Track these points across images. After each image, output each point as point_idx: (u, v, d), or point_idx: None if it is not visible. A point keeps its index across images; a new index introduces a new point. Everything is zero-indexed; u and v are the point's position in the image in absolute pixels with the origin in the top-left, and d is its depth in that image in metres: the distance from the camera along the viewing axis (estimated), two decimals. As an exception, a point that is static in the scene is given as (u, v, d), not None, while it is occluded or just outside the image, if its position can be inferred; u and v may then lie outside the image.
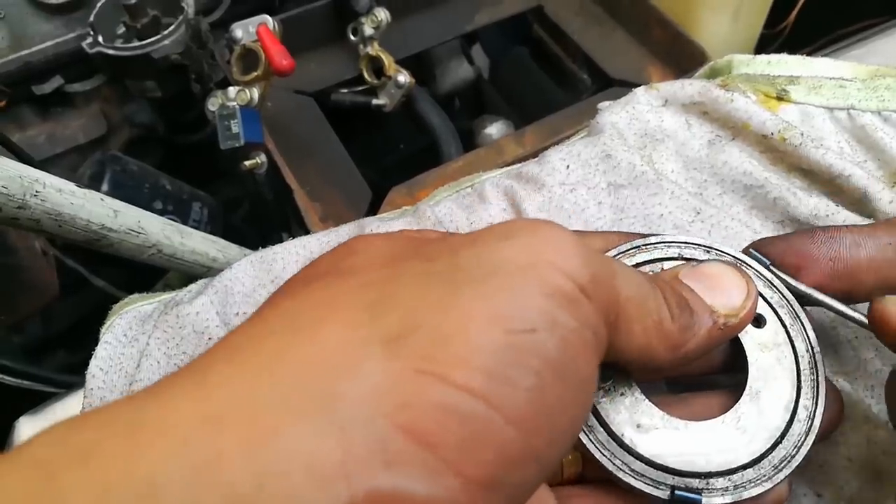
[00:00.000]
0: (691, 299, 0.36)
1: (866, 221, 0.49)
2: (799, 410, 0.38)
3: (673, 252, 0.41)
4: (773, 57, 0.61)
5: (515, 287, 0.28)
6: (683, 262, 0.41)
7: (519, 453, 0.26)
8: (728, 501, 0.35)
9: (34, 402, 0.72)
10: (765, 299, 0.40)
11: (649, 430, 0.37)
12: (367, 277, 0.30)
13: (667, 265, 0.40)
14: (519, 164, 0.57)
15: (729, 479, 0.36)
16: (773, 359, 0.39)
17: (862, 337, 0.45)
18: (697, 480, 0.35)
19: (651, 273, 0.39)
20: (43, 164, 1.03)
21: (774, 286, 0.41)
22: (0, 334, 1.05)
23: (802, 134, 0.51)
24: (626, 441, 0.36)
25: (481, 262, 0.29)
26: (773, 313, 0.40)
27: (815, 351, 0.39)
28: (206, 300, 0.49)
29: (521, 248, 0.29)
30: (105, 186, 1.06)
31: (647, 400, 0.37)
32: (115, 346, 0.49)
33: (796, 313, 0.41)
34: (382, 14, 1.12)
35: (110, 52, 1.02)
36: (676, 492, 0.35)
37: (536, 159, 0.55)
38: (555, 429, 0.27)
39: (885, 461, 0.42)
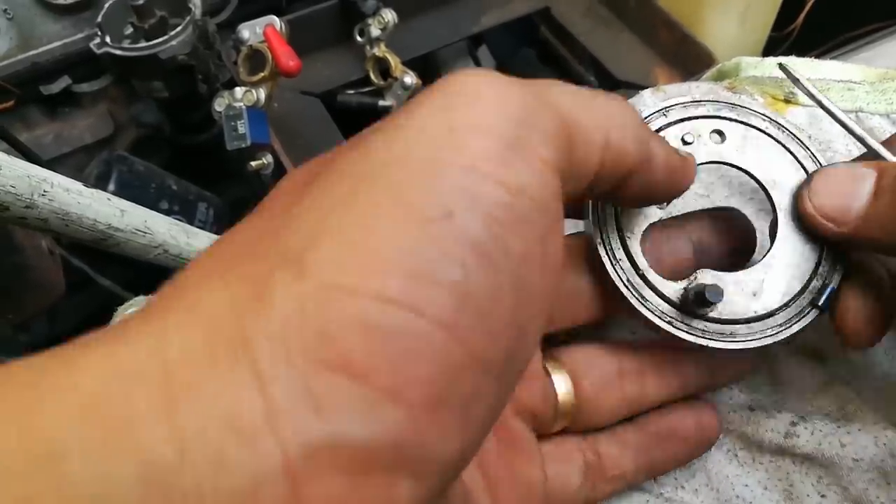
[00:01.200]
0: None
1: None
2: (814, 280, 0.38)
3: (703, 111, 0.41)
4: (781, 59, 0.61)
5: (429, 165, 0.23)
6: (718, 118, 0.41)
7: (459, 359, 0.22)
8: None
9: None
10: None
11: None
12: (279, 201, 0.26)
13: (701, 122, 0.41)
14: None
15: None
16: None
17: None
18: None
19: None
20: (50, 164, 1.04)
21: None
22: (6, 333, 1.05)
23: (810, 137, 0.51)
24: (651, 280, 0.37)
25: (390, 143, 0.25)
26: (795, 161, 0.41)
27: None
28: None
29: (435, 114, 0.25)
30: (112, 186, 1.06)
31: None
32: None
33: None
34: (389, 15, 1.12)
35: (118, 52, 1.02)
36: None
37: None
38: (497, 322, 0.23)
39: (892, 462, 0.41)
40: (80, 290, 1.08)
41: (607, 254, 0.37)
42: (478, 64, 1.36)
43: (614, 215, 0.38)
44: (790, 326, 0.37)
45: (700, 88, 0.55)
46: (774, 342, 0.37)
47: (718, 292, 0.35)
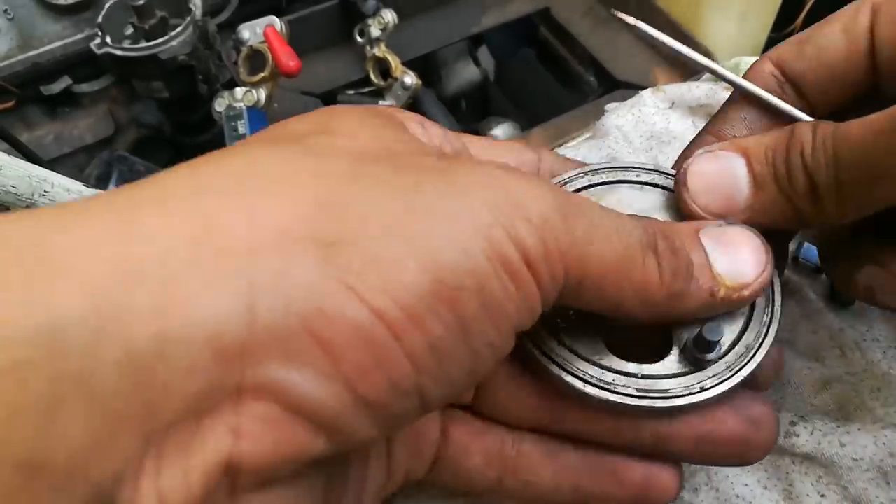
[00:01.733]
0: (697, 265, 0.33)
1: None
2: (738, 346, 0.36)
3: (631, 175, 0.40)
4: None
5: (463, 241, 0.27)
6: (641, 185, 0.40)
7: (408, 387, 0.27)
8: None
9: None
10: None
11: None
12: (330, 166, 0.29)
13: (623, 188, 0.40)
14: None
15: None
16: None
17: (870, 339, 0.45)
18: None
19: (659, 221, 0.36)
20: (51, 164, 1.04)
21: None
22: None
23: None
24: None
25: (443, 196, 0.28)
26: None
27: (774, 301, 0.37)
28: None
29: (486, 201, 0.29)
30: (112, 186, 1.06)
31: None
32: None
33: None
34: (389, 16, 1.12)
35: (118, 52, 1.02)
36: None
37: (541, 160, 0.55)
38: (447, 375, 0.28)
39: (891, 462, 0.41)
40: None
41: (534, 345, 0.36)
42: (477, 64, 1.36)
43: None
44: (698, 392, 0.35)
45: (700, 89, 0.55)
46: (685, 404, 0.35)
47: (716, 330, 0.34)
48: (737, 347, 0.35)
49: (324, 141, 0.31)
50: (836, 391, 0.43)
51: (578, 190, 0.39)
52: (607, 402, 0.34)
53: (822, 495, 0.42)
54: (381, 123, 0.34)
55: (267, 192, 0.26)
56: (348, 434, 0.26)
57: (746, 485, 0.43)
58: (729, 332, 0.36)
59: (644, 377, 0.35)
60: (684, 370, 0.35)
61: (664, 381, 0.35)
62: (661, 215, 0.38)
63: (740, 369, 0.35)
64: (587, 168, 0.40)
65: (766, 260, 0.34)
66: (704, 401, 0.34)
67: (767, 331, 0.36)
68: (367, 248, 0.26)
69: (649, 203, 0.39)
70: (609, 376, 0.35)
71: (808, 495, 0.42)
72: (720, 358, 0.35)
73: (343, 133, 0.31)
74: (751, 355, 0.35)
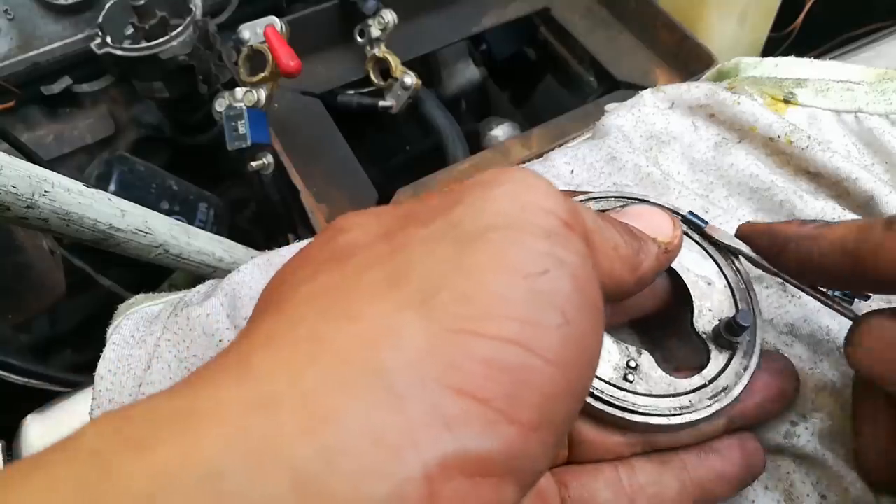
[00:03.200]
0: (634, 229, 0.37)
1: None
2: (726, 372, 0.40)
3: (611, 204, 0.43)
4: (781, 60, 0.61)
5: (516, 234, 0.28)
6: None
7: (561, 389, 0.27)
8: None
9: (41, 400, 0.72)
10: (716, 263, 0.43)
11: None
12: (370, 254, 0.30)
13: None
14: (523, 165, 0.56)
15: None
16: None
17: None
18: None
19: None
20: (51, 164, 1.04)
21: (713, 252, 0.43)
22: (7, 333, 1.05)
23: (809, 137, 0.51)
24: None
25: (476, 217, 0.29)
26: (720, 275, 0.42)
27: (756, 314, 0.41)
28: (217, 302, 0.49)
29: (509, 196, 0.30)
30: (112, 186, 1.06)
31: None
32: (123, 347, 0.49)
33: (741, 278, 0.42)
34: (389, 16, 1.12)
35: (118, 52, 1.02)
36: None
37: (540, 160, 0.55)
38: (585, 358, 0.28)
39: None
40: (81, 290, 1.09)
41: None
42: (477, 64, 1.36)
43: None
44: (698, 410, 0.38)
45: (700, 89, 0.55)
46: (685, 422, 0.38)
47: (747, 315, 0.38)
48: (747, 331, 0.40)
49: (344, 242, 0.32)
50: (837, 392, 0.43)
51: None
52: (692, 422, 0.38)
53: (823, 496, 0.42)
54: (385, 208, 0.35)
55: (341, 302, 0.27)
56: (531, 466, 0.26)
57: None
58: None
59: (710, 381, 0.39)
60: (726, 360, 0.40)
61: (721, 378, 0.39)
62: None
63: (755, 338, 0.40)
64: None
65: (669, 215, 0.39)
66: (752, 375, 0.39)
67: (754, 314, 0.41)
68: (451, 290, 0.26)
69: None
70: (685, 400, 0.38)
71: (808, 496, 0.42)
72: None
73: (354, 225, 0.32)
74: (755, 327, 0.41)
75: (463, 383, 0.24)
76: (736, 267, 0.42)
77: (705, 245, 0.43)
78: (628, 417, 0.37)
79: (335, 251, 0.31)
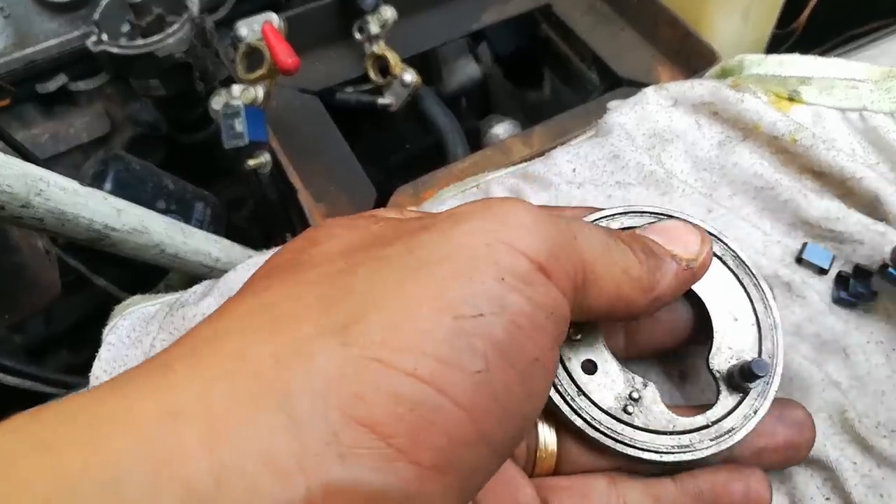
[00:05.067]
0: (654, 247, 0.37)
1: (878, 224, 0.48)
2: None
3: (645, 220, 0.42)
4: (785, 57, 0.60)
5: (467, 271, 0.28)
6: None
7: (469, 436, 0.26)
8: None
9: (35, 402, 0.72)
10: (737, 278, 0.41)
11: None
12: (324, 269, 0.30)
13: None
14: (525, 164, 0.56)
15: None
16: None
17: (874, 342, 0.45)
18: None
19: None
20: (46, 163, 1.03)
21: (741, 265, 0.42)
22: (1, 333, 1.05)
23: (814, 135, 0.51)
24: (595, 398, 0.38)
25: (436, 246, 0.29)
26: (744, 293, 0.41)
27: (776, 361, 0.40)
28: (213, 302, 0.49)
29: (477, 230, 0.29)
30: (108, 185, 1.05)
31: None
32: (119, 347, 0.48)
33: (771, 316, 0.41)
34: (389, 12, 1.12)
35: (114, 50, 1.02)
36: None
37: (542, 158, 0.55)
38: (505, 410, 0.28)
39: (879, 473, 0.41)
40: (76, 290, 1.08)
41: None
42: (478, 61, 1.36)
43: None
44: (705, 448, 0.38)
45: (703, 86, 0.55)
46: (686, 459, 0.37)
47: (764, 365, 0.37)
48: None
49: (311, 252, 0.32)
50: (839, 394, 0.43)
51: None
52: (686, 462, 0.37)
53: (827, 498, 0.41)
54: (364, 219, 0.35)
55: (273, 318, 0.27)
56: None
57: None
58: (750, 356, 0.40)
59: (714, 423, 0.38)
60: (736, 402, 0.38)
61: (727, 420, 0.38)
62: None
63: (772, 383, 0.39)
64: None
65: (700, 232, 0.38)
66: (760, 420, 0.38)
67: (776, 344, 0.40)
68: (379, 316, 0.26)
69: None
70: (685, 438, 0.37)
71: (812, 498, 0.41)
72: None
73: (329, 236, 0.32)
74: (773, 370, 0.39)
75: (366, 415, 0.24)
76: (768, 306, 0.40)
77: (742, 278, 0.41)
78: (620, 449, 0.37)
79: (298, 263, 0.31)
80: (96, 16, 1.04)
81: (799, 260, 0.48)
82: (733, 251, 0.42)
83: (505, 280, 0.28)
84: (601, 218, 0.42)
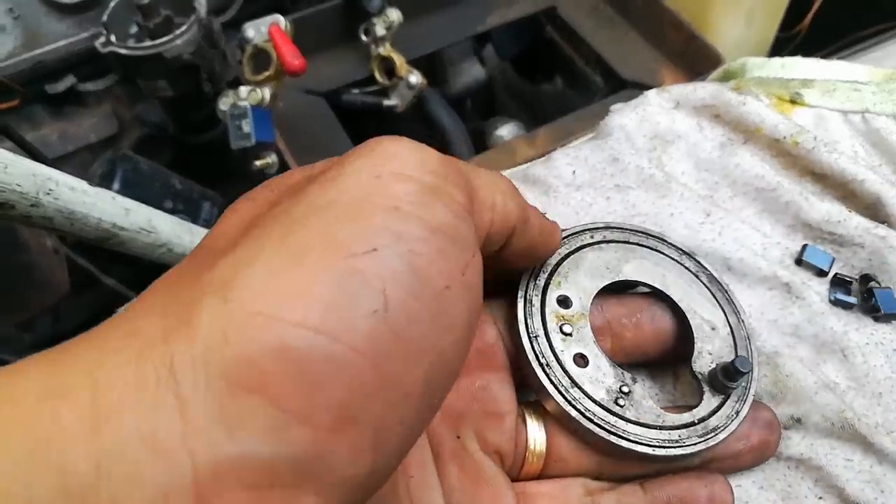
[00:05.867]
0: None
1: (879, 227, 0.48)
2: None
3: (587, 238, 0.44)
4: (787, 60, 0.60)
5: (356, 208, 0.26)
6: (599, 244, 0.44)
7: (373, 384, 0.24)
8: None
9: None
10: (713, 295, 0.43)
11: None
12: (218, 240, 0.28)
13: (586, 252, 0.43)
14: (525, 165, 0.56)
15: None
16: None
17: (872, 344, 0.45)
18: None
19: None
20: (55, 163, 1.04)
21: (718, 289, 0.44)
22: (10, 332, 1.05)
23: (816, 138, 0.51)
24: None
25: (323, 192, 0.27)
26: (721, 313, 0.43)
27: (753, 365, 0.42)
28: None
29: (364, 167, 0.28)
30: (116, 185, 1.06)
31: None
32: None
33: (744, 328, 0.43)
34: (394, 14, 1.12)
35: (123, 51, 1.02)
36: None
37: (542, 160, 0.55)
38: (416, 347, 0.25)
39: (881, 470, 0.41)
40: (85, 288, 1.09)
41: (536, 357, 0.38)
42: (483, 63, 1.36)
43: (541, 312, 0.40)
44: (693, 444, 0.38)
45: (705, 89, 0.55)
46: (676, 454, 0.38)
47: (746, 362, 0.39)
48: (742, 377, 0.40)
49: (217, 230, 0.30)
50: (836, 395, 0.43)
51: (556, 267, 0.42)
52: (676, 456, 0.38)
53: (820, 497, 0.41)
54: (259, 191, 0.33)
55: (176, 288, 0.26)
56: (336, 474, 0.23)
57: (740, 486, 0.42)
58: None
59: (700, 421, 0.39)
60: (719, 403, 0.40)
61: (712, 419, 0.39)
62: (625, 267, 0.43)
63: (749, 387, 0.41)
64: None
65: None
66: (741, 421, 0.40)
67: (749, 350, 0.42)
68: (262, 268, 0.24)
69: (609, 258, 0.43)
70: (675, 434, 0.38)
71: (805, 497, 0.42)
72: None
73: (232, 211, 0.31)
74: (751, 375, 0.41)
75: (253, 379, 0.22)
76: (741, 319, 0.43)
77: (715, 293, 0.43)
78: (615, 441, 0.37)
79: (203, 244, 0.30)
80: (105, 17, 1.05)
81: (798, 262, 0.49)
82: (706, 269, 0.44)
83: (399, 208, 0.26)
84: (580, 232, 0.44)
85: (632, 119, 0.55)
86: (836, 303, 0.47)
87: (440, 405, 0.29)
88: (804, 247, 0.49)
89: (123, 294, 1.05)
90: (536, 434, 0.38)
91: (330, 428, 0.23)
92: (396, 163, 0.28)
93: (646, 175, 0.51)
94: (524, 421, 0.38)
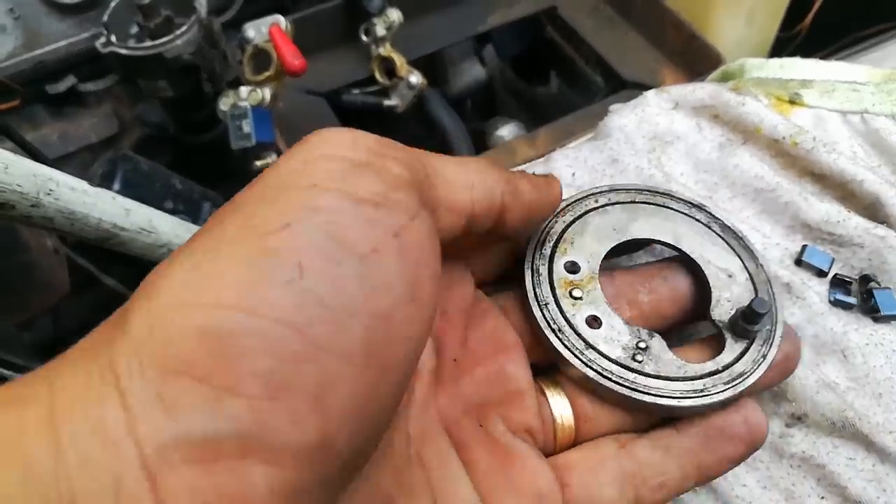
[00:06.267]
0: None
1: (879, 227, 0.48)
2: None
3: (591, 202, 0.44)
4: (786, 60, 0.60)
5: (274, 192, 0.27)
6: (603, 208, 0.43)
7: (302, 350, 0.24)
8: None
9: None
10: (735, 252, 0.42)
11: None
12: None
13: (591, 216, 0.43)
14: (524, 166, 0.56)
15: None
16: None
17: (872, 344, 0.45)
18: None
19: None
20: (55, 163, 1.04)
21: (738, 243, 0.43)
22: (11, 332, 1.05)
23: (815, 138, 0.51)
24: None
25: (252, 185, 0.29)
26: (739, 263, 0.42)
27: (774, 306, 0.40)
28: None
29: (295, 154, 0.29)
30: (117, 185, 1.06)
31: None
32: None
33: (763, 272, 0.42)
34: (395, 14, 1.12)
35: (123, 51, 1.02)
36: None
37: (542, 160, 0.55)
38: (344, 311, 0.26)
39: (884, 469, 0.41)
40: (85, 289, 1.09)
41: (548, 324, 0.38)
42: (483, 63, 1.36)
43: (548, 280, 0.40)
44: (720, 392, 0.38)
45: (704, 89, 0.55)
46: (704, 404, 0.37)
47: (763, 302, 0.38)
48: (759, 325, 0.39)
49: None
50: (837, 395, 0.43)
51: (561, 235, 0.42)
52: (703, 406, 0.37)
53: (822, 497, 0.42)
54: None
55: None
56: (280, 440, 0.24)
57: (745, 485, 0.42)
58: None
59: (725, 368, 0.38)
60: (743, 348, 0.39)
61: (738, 364, 0.38)
62: (633, 226, 0.42)
63: (775, 329, 0.39)
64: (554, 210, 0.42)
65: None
66: (770, 364, 0.38)
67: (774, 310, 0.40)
68: (182, 264, 0.26)
69: (615, 220, 0.43)
70: (699, 384, 0.37)
71: (808, 496, 0.42)
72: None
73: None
74: (774, 318, 0.40)
75: (180, 363, 0.23)
76: (759, 264, 0.42)
77: (730, 241, 0.42)
78: (635, 397, 0.37)
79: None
80: (105, 17, 1.04)
81: (798, 262, 0.49)
82: (718, 219, 0.43)
83: (317, 185, 0.27)
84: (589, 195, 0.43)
85: (631, 120, 0.55)
86: (835, 303, 0.47)
87: (404, 369, 0.29)
88: (804, 247, 0.49)
89: (123, 294, 1.05)
90: (560, 405, 0.38)
91: (262, 396, 0.23)
92: (328, 147, 0.29)
93: (645, 176, 0.51)
94: (545, 395, 0.38)
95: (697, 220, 0.43)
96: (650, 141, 0.54)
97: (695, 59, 1.11)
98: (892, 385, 0.44)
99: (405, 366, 0.29)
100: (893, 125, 0.54)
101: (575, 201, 0.43)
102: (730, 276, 0.41)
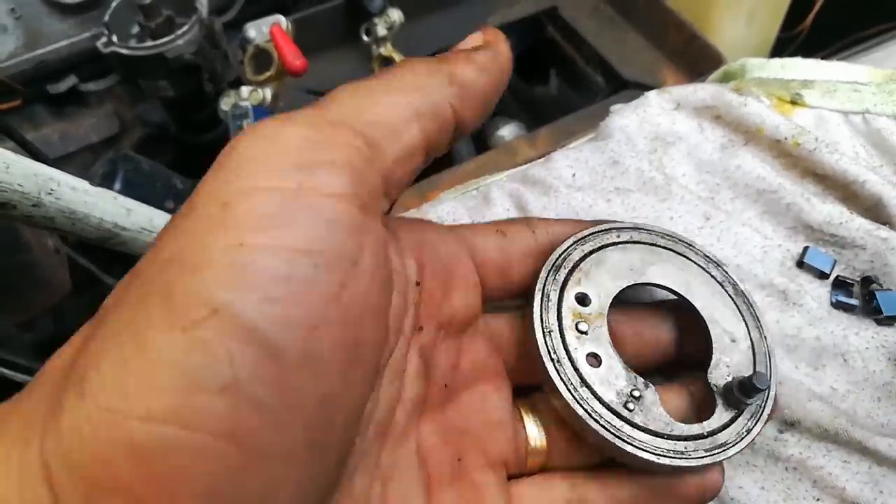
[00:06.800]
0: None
1: (881, 229, 0.48)
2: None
3: (613, 237, 0.42)
4: (787, 61, 0.60)
5: (194, 257, 0.23)
6: (623, 244, 0.42)
7: (243, 461, 0.22)
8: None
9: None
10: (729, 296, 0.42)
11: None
12: (113, 300, 0.26)
13: (610, 251, 0.42)
14: (525, 166, 0.56)
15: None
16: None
17: (873, 348, 0.45)
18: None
19: None
20: (57, 163, 1.04)
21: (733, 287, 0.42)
22: (11, 331, 1.05)
23: (817, 139, 0.51)
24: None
25: (170, 233, 0.25)
26: (734, 308, 0.42)
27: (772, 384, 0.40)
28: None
29: (212, 190, 0.25)
30: (118, 185, 1.06)
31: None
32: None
33: (766, 344, 0.41)
34: (396, 15, 1.12)
35: (124, 51, 1.02)
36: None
37: (542, 161, 0.55)
38: (284, 408, 0.23)
39: (880, 471, 0.41)
40: (86, 288, 1.09)
41: (548, 352, 0.38)
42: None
43: (557, 308, 0.39)
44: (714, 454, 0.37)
45: (706, 90, 0.55)
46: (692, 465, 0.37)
47: (764, 378, 0.37)
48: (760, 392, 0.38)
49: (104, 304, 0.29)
50: (828, 404, 0.43)
51: (577, 264, 0.41)
52: (679, 467, 0.37)
53: (818, 500, 0.41)
54: None
55: (55, 377, 0.25)
56: (247, 438, 0.22)
57: (741, 487, 0.42)
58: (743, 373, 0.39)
59: (709, 434, 0.38)
60: (731, 417, 0.38)
61: (721, 434, 0.38)
62: (650, 270, 0.41)
63: (765, 406, 0.39)
64: (576, 237, 0.42)
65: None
66: (751, 441, 0.38)
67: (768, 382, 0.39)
68: (111, 356, 0.22)
69: (634, 259, 0.42)
70: (681, 445, 0.37)
71: (804, 499, 0.42)
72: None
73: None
74: (767, 394, 0.39)
75: (109, 481, 0.21)
76: (763, 335, 0.41)
77: (740, 305, 0.42)
78: (619, 445, 0.36)
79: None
80: (106, 17, 1.05)
81: (800, 264, 0.48)
82: (732, 279, 0.42)
83: (244, 244, 0.23)
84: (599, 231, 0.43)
85: (632, 120, 0.55)
86: (837, 305, 0.47)
87: (347, 440, 0.26)
88: (805, 249, 0.48)
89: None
90: (536, 435, 0.38)
91: None
92: (247, 172, 0.24)
93: (646, 178, 0.51)
94: (522, 422, 0.38)
95: (712, 277, 0.42)
96: (651, 142, 0.54)
97: (696, 59, 1.11)
98: (890, 390, 0.44)
99: (346, 439, 0.26)
100: (895, 125, 0.54)
101: (597, 232, 0.42)
102: (733, 340, 0.41)
